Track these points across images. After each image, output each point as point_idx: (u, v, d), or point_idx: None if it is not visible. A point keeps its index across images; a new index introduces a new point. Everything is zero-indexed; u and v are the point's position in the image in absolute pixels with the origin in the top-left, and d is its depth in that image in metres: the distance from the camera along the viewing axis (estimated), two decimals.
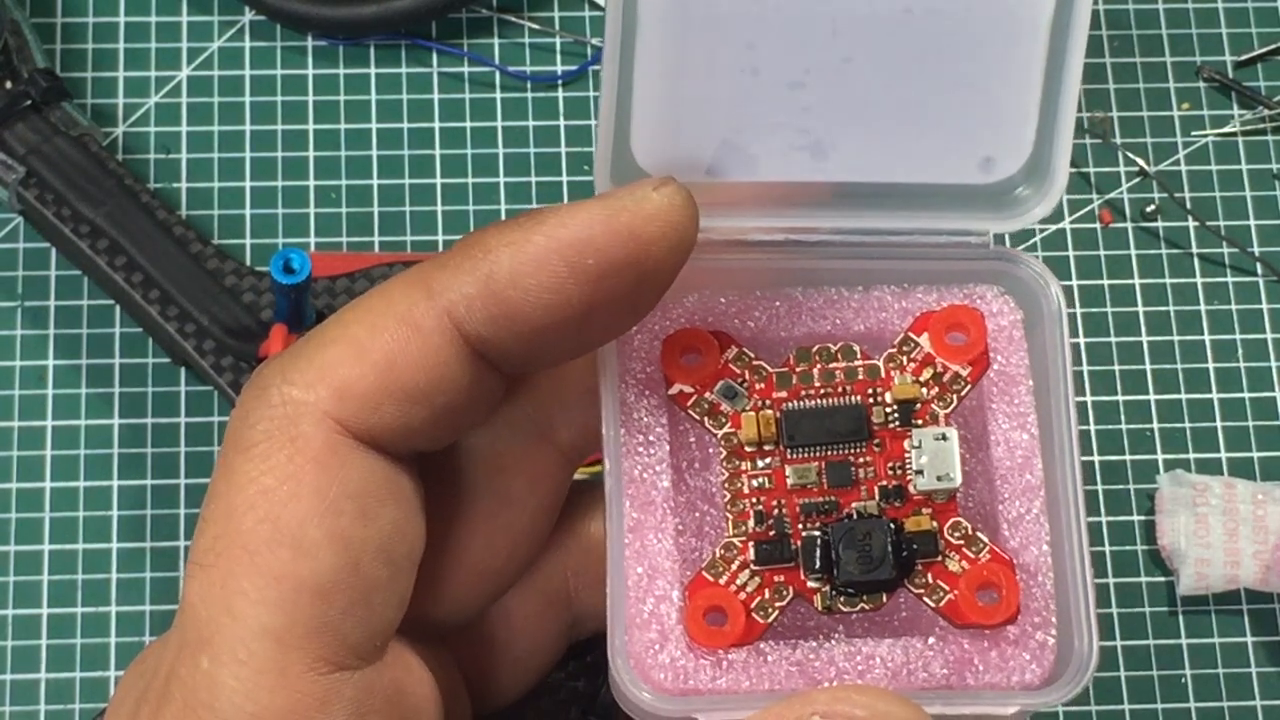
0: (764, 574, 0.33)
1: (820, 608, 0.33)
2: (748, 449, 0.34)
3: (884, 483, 0.34)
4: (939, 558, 0.33)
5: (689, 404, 0.34)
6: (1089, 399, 0.62)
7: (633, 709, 0.33)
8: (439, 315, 0.31)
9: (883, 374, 0.34)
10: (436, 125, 0.64)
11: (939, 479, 0.33)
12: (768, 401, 0.34)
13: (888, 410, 0.34)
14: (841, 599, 0.33)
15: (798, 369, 0.34)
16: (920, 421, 0.34)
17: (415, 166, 0.64)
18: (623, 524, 0.33)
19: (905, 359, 0.34)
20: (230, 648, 0.30)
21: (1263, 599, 0.60)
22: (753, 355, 0.34)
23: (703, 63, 0.32)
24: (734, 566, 0.33)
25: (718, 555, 0.33)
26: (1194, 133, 0.66)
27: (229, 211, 0.63)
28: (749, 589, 0.33)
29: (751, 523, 0.33)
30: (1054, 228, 0.64)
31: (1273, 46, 0.66)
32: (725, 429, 0.34)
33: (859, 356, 0.34)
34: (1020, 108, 0.33)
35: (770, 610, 0.33)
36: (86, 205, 0.60)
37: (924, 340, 0.34)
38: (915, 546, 0.33)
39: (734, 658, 0.33)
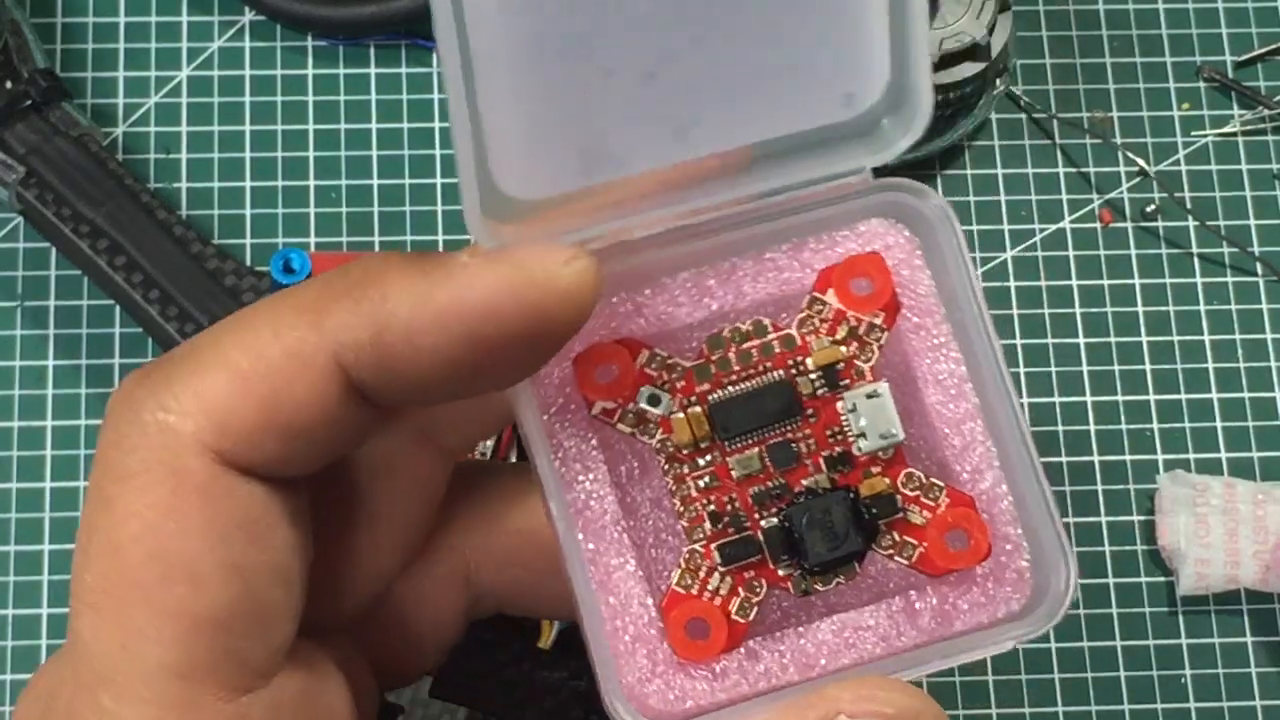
0: (734, 574, 0.33)
1: (797, 593, 0.33)
2: (684, 451, 0.33)
3: (827, 452, 0.33)
4: (900, 513, 0.33)
5: (615, 419, 0.33)
6: (1089, 399, 0.62)
7: None
8: (327, 355, 0.30)
9: (798, 341, 0.33)
10: (436, 125, 0.64)
11: (882, 437, 0.33)
12: (692, 398, 0.33)
13: (813, 378, 0.33)
14: (816, 579, 0.33)
15: (713, 357, 0.33)
16: (847, 382, 0.33)
17: (415, 166, 0.64)
18: (583, 559, 0.32)
19: (817, 320, 0.33)
20: (133, 687, 0.30)
21: (1263, 599, 0.60)
22: (666, 354, 0.33)
23: (551, 78, 0.31)
24: (702, 574, 0.33)
25: (684, 566, 0.33)
26: (1194, 133, 0.65)
27: (229, 211, 0.63)
28: (723, 592, 0.33)
29: (708, 525, 0.33)
30: (1054, 227, 0.64)
31: (1273, 46, 0.66)
32: (658, 436, 0.33)
33: (771, 330, 0.33)
34: (870, 37, 0.32)
35: (749, 608, 0.33)
36: (86, 205, 0.60)
37: (830, 297, 0.33)
38: (875, 510, 0.33)
39: (727, 664, 0.33)
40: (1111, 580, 0.60)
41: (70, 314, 0.61)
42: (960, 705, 0.58)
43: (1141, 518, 0.61)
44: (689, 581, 0.33)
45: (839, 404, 0.33)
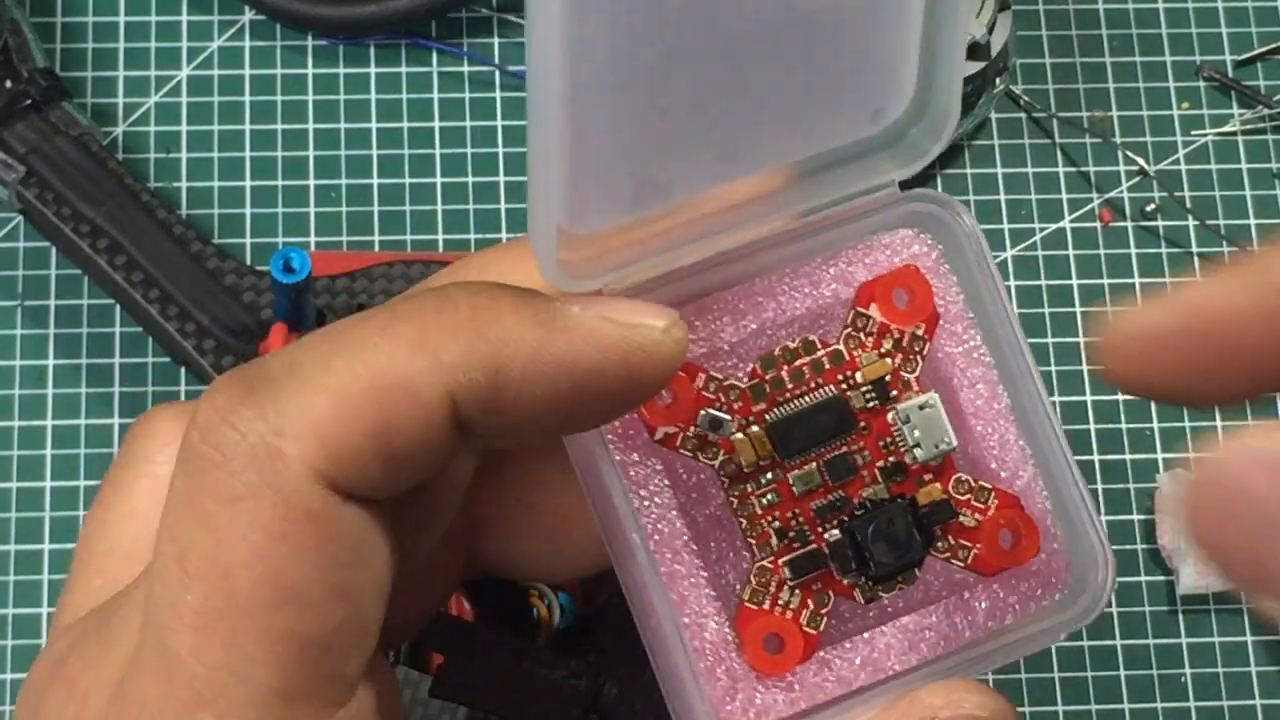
0: (802, 587, 0.33)
1: (863, 601, 0.34)
2: (746, 470, 0.33)
3: (881, 463, 0.34)
4: (955, 518, 0.34)
5: (678, 444, 0.33)
6: (1089, 398, 0.62)
7: None
8: (444, 391, 0.30)
9: (846, 357, 0.34)
10: (436, 125, 0.64)
11: (936, 446, 0.33)
12: (750, 419, 0.34)
13: (864, 392, 0.34)
14: (879, 586, 0.34)
15: (767, 377, 0.34)
16: (895, 393, 0.34)
17: (415, 166, 0.64)
18: (663, 585, 0.33)
19: (862, 335, 0.34)
20: (237, 709, 0.30)
21: None
22: (722, 378, 0.34)
23: (610, 113, 0.31)
24: (772, 589, 0.33)
25: (754, 583, 0.33)
26: (1194, 132, 0.66)
27: (229, 211, 0.63)
28: (793, 606, 0.33)
29: (775, 540, 0.33)
30: (1054, 227, 0.64)
31: (1273, 46, 0.66)
32: (720, 458, 0.33)
33: (819, 347, 0.34)
34: (900, 54, 0.33)
35: (820, 619, 0.33)
36: (86, 205, 0.60)
37: (874, 311, 0.34)
38: (932, 517, 0.34)
39: (802, 676, 0.33)
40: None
41: (70, 314, 0.61)
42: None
43: (1141, 517, 0.61)
44: (760, 596, 0.33)
45: (889, 415, 0.34)
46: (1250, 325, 0.29)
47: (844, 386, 0.34)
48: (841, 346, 0.34)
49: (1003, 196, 0.64)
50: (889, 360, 0.34)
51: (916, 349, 0.34)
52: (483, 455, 0.35)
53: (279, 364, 0.31)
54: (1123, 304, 0.32)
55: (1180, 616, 0.60)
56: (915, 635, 0.34)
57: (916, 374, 0.34)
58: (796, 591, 0.33)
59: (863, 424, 0.34)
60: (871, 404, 0.34)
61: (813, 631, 0.33)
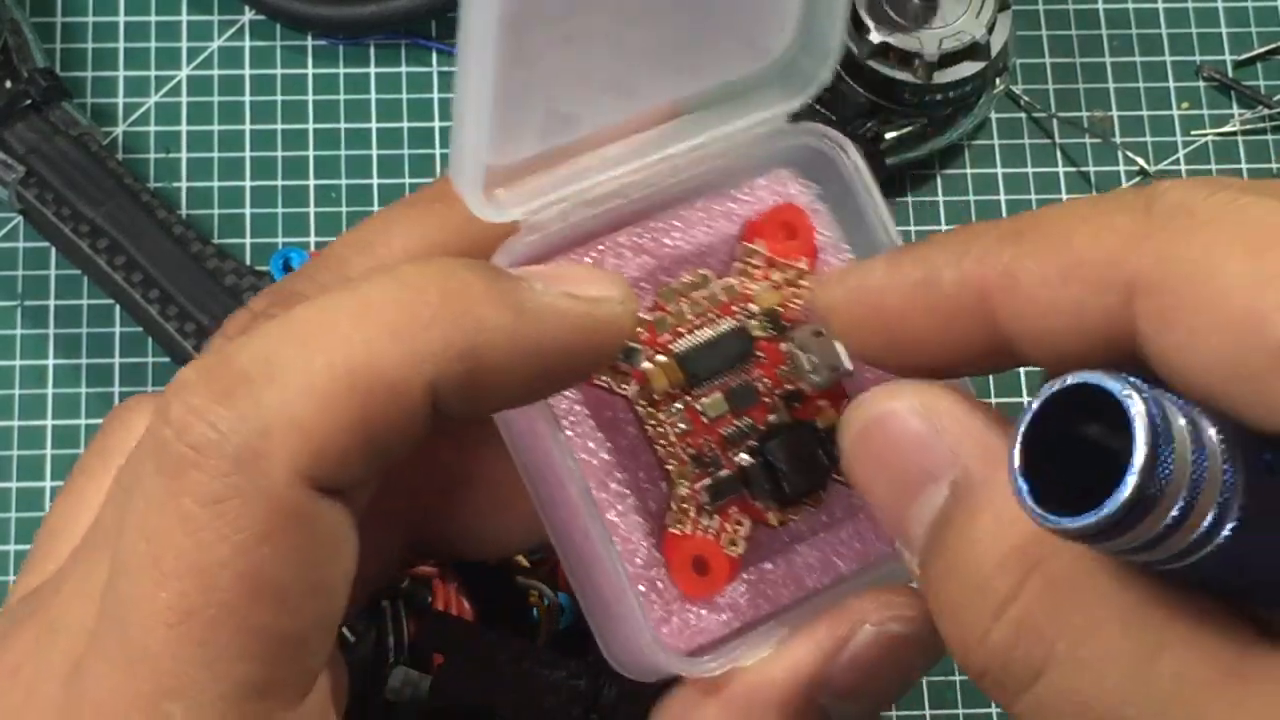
0: (720, 511, 0.34)
1: (776, 524, 0.35)
2: (659, 398, 0.34)
3: (780, 390, 0.35)
4: None
5: (595, 377, 0.34)
6: None
7: (677, 680, 0.33)
8: (424, 381, 0.30)
9: (739, 289, 0.35)
10: (436, 125, 0.64)
11: (833, 370, 0.34)
12: (657, 349, 0.35)
13: (761, 323, 0.35)
14: (789, 510, 0.35)
15: (669, 309, 0.35)
16: (787, 324, 0.35)
17: (415, 166, 0.64)
18: (598, 511, 0.33)
19: (752, 268, 0.35)
20: (211, 704, 0.30)
21: None
22: None
23: (529, 51, 0.32)
24: (692, 514, 0.34)
25: (675, 508, 0.34)
26: (1194, 132, 0.66)
27: (229, 211, 0.63)
28: (713, 530, 0.34)
29: (691, 466, 0.34)
30: None
31: (1273, 46, 0.66)
32: (634, 388, 0.34)
33: (713, 279, 0.35)
34: None
35: (738, 542, 0.34)
36: (86, 205, 0.60)
37: (760, 246, 0.36)
38: (833, 441, 0.34)
39: (731, 595, 0.34)
40: None
41: (70, 314, 0.61)
42: (960, 705, 0.58)
43: None
44: (682, 520, 0.34)
45: (783, 345, 0.35)
46: (900, 315, 0.31)
47: (741, 317, 0.35)
48: (734, 280, 0.35)
49: (1003, 197, 0.64)
50: (780, 291, 0.35)
51: (801, 283, 0.35)
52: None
53: (253, 359, 0.30)
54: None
55: None
56: (831, 552, 0.35)
57: (804, 304, 0.35)
58: (715, 516, 0.34)
59: (760, 353, 0.35)
60: (768, 332, 0.35)
61: (734, 554, 0.34)
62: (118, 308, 0.61)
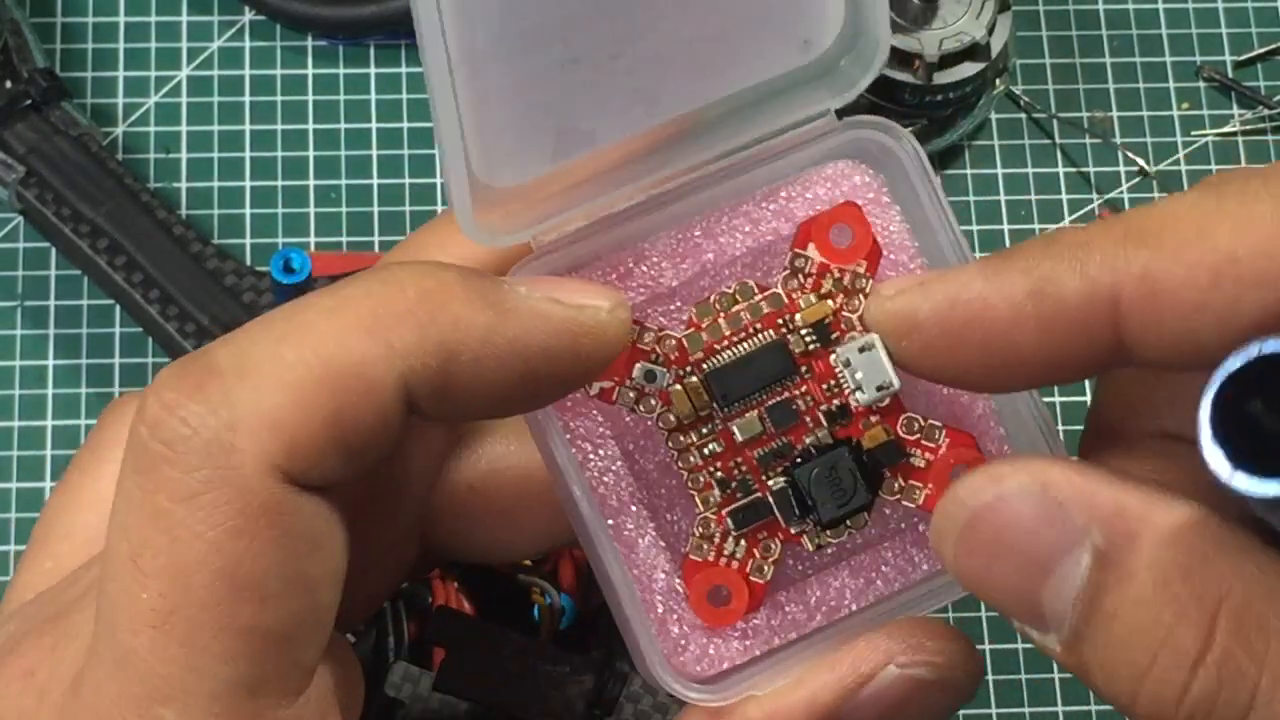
0: (747, 536, 0.33)
1: (812, 548, 0.33)
2: (685, 421, 0.33)
3: (825, 406, 0.33)
4: (904, 458, 0.33)
5: (614, 398, 0.33)
6: (1089, 398, 0.62)
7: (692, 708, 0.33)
8: (397, 376, 0.30)
9: (785, 300, 0.34)
10: None
11: (879, 389, 0.33)
12: (688, 369, 0.33)
13: (804, 335, 0.33)
14: (828, 532, 0.33)
15: (703, 325, 0.34)
16: (837, 335, 0.33)
17: (415, 166, 0.64)
18: (608, 535, 0.33)
19: (801, 276, 0.34)
20: (201, 704, 0.30)
21: None
22: (657, 329, 0.33)
23: (520, 70, 0.32)
24: (716, 539, 0.33)
25: (697, 534, 0.33)
26: (1194, 133, 0.66)
27: (229, 211, 0.63)
28: (739, 556, 0.33)
29: (717, 491, 0.33)
30: (1054, 228, 0.64)
31: (1273, 46, 0.66)
32: (658, 409, 0.33)
33: (756, 291, 0.34)
34: None
35: (766, 568, 0.33)
36: (86, 205, 0.60)
37: (812, 251, 0.34)
38: (880, 460, 0.33)
39: (755, 622, 0.33)
40: None
41: (70, 314, 0.61)
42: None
43: None
44: (704, 548, 0.33)
45: (832, 357, 0.33)
46: (1008, 327, 0.30)
47: (784, 331, 0.33)
48: (780, 290, 0.34)
49: (1003, 197, 0.64)
50: (829, 302, 0.34)
51: (859, 287, 0.34)
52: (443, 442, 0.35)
53: (226, 354, 0.30)
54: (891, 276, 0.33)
55: None
56: (870, 572, 0.34)
57: (859, 314, 0.33)
58: (742, 541, 0.33)
59: (804, 368, 0.33)
60: (813, 347, 0.33)
61: (759, 581, 0.33)
62: (118, 308, 0.61)
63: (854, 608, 0.33)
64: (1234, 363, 0.26)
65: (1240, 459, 0.25)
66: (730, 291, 0.34)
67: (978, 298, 0.30)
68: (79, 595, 0.33)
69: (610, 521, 0.33)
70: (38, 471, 0.60)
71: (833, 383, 0.33)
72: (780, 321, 0.34)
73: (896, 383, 0.33)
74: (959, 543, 0.30)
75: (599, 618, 0.43)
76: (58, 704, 0.31)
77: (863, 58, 0.34)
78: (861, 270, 0.34)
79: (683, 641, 0.33)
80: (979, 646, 0.59)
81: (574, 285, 0.32)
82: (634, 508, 0.33)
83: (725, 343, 0.33)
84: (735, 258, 0.34)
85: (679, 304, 0.34)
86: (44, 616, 0.33)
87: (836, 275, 0.34)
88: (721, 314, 0.34)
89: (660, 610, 0.33)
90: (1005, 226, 0.64)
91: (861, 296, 0.33)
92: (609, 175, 0.33)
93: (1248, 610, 0.27)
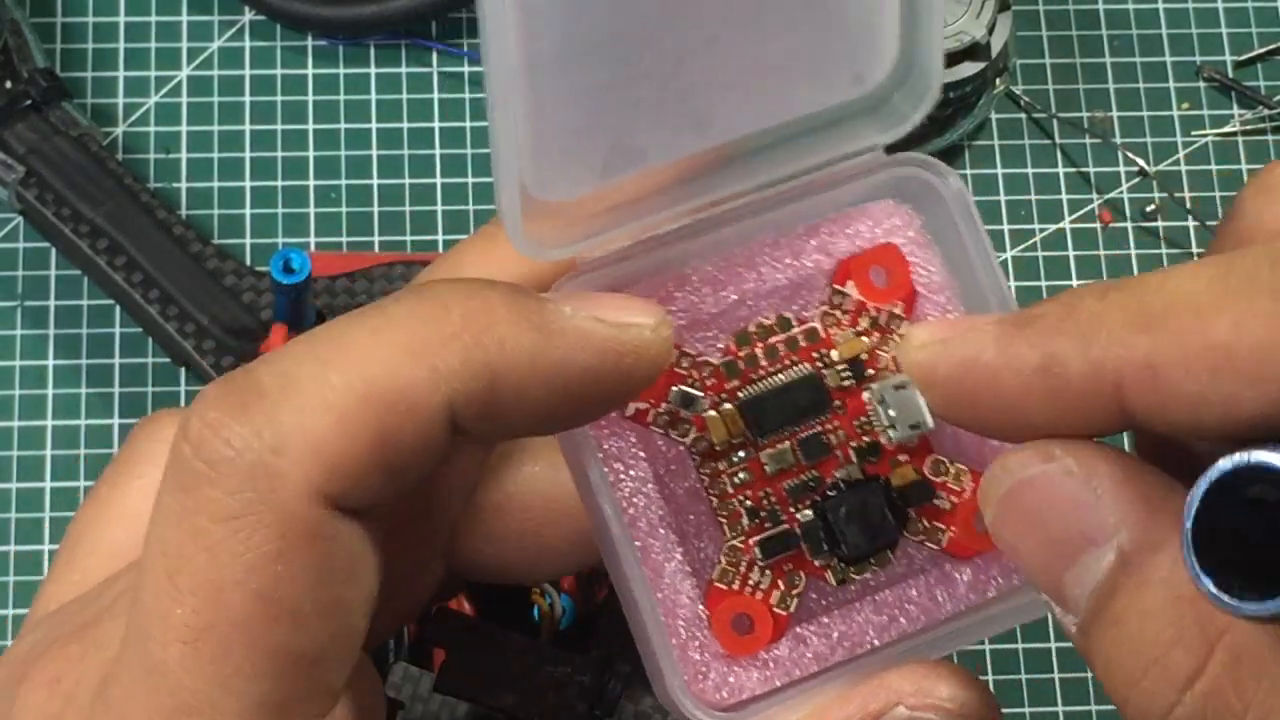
0: (773, 567, 0.33)
1: (835, 583, 0.33)
2: (718, 448, 0.33)
3: (856, 443, 0.33)
4: (930, 500, 0.33)
5: (649, 420, 0.33)
6: None
7: None
8: (442, 401, 0.30)
9: (822, 334, 0.34)
10: (436, 125, 0.64)
11: (912, 427, 0.33)
12: (723, 396, 0.33)
13: (839, 371, 0.34)
14: (852, 568, 0.33)
15: (741, 354, 0.34)
16: (871, 372, 0.33)
17: (415, 166, 0.64)
18: (636, 557, 0.33)
19: (839, 313, 0.34)
20: None
21: None
22: (695, 354, 0.33)
23: (578, 81, 0.31)
24: (742, 568, 0.33)
25: (724, 562, 0.33)
26: (1194, 133, 0.66)
27: (229, 211, 0.63)
28: (763, 586, 0.33)
29: (745, 520, 0.33)
30: (1054, 227, 0.64)
31: (1273, 46, 0.66)
32: (692, 435, 0.33)
33: (795, 324, 0.34)
34: (879, 15, 0.33)
35: (790, 600, 0.33)
36: (86, 205, 0.60)
37: (850, 289, 0.34)
38: (908, 499, 0.33)
39: (777, 653, 0.33)
40: None
41: (70, 314, 0.61)
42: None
43: None
44: (730, 576, 0.33)
45: (865, 395, 0.33)
46: (1018, 396, 0.30)
47: (819, 365, 0.34)
48: (818, 324, 0.34)
49: (1003, 197, 0.64)
50: (865, 339, 0.34)
51: (894, 326, 0.34)
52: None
53: (271, 375, 0.30)
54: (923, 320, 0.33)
55: None
56: (894, 610, 0.33)
57: (893, 353, 0.33)
58: (767, 572, 0.33)
59: (838, 403, 0.33)
60: (847, 383, 0.33)
61: (783, 612, 0.33)
62: (118, 308, 0.61)
63: (876, 643, 0.33)
64: (1216, 472, 0.26)
65: (1223, 566, 0.25)
66: (769, 323, 0.34)
67: (988, 367, 0.30)
68: (107, 606, 0.33)
69: (638, 544, 0.33)
70: (38, 471, 0.60)
71: (864, 419, 0.33)
72: (816, 355, 0.34)
73: (930, 422, 0.32)
74: (998, 506, 0.30)
75: (599, 618, 0.43)
76: (84, 710, 0.31)
77: (914, 93, 0.34)
78: (898, 311, 0.34)
79: (704, 669, 0.33)
80: (979, 647, 0.59)
81: (618, 302, 0.32)
82: (662, 531, 0.33)
83: (761, 373, 0.33)
84: (775, 289, 0.34)
85: (715, 332, 0.34)
86: (71, 626, 0.33)
87: (873, 314, 0.34)
88: (759, 344, 0.34)
89: (683, 636, 0.33)
90: (1005, 226, 0.64)
91: (897, 337, 0.33)
92: (655, 196, 0.33)
93: (1246, 650, 0.28)
